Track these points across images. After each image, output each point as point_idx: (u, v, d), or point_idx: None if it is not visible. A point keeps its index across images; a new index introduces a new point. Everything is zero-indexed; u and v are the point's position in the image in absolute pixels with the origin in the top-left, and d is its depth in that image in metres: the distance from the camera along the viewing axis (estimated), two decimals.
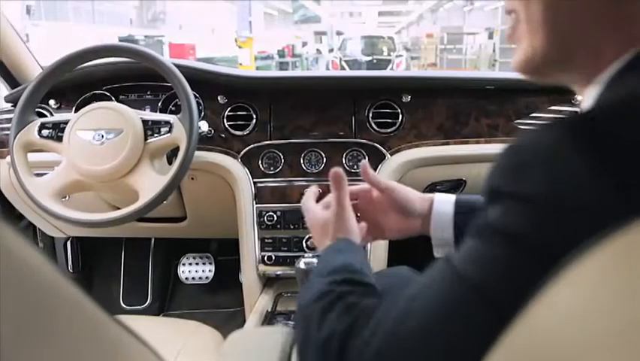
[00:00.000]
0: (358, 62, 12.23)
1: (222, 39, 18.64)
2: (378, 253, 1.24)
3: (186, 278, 1.82)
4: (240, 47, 10.70)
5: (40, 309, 0.25)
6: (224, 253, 1.82)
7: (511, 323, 0.33)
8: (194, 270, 1.83)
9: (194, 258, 1.84)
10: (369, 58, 12.38)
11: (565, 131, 0.36)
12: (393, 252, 1.26)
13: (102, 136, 1.12)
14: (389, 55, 12.73)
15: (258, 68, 11.91)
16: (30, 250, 0.25)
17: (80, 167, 1.12)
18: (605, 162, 0.34)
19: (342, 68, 11.71)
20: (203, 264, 1.83)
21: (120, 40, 11.74)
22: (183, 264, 1.83)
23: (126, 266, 1.80)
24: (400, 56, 12.50)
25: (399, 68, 11.61)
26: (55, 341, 0.26)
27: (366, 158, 1.28)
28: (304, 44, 20.48)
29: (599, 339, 0.25)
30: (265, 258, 1.25)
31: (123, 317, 1.28)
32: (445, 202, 0.73)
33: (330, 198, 0.72)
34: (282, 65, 14.10)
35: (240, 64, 11.07)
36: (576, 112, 0.38)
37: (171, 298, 1.82)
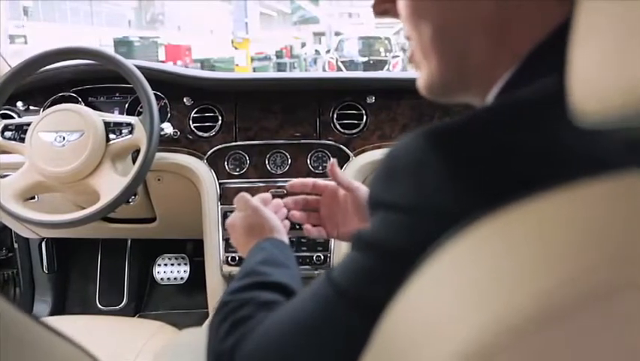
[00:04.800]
0: (355, 63, 12.21)
1: (221, 40, 18.67)
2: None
3: (161, 279, 1.83)
4: (236, 48, 10.71)
5: None
6: (200, 253, 1.83)
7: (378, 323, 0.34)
8: (170, 270, 1.84)
9: (169, 259, 1.85)
10: (366, 59, 12.37)
11: (429, 139, 0.37)
12: None
13: (63, 138, 1.13)
14: (386, 56, 12.72)
15: (255, 69, 11.91)
16: None
17: (41, 168, 1.13)
18: (459, 169, 0.36)
19: (339, 69, 11.70)
20: (179, 265, 1.84)
21: (115, 41, 11.78)
22: (159, 265, 1.84)
23: (102, 267, 1.81)
24: (397, 56, 12.49)
25: (395, 69, 11.61)
26: None
27: (331, 159, 1.29)
28: (303, 45, 20.48)
29: (452, 323, 0.26)
30: (229, 258, 1.26)
31: (86, 317, 1.28)
32: None
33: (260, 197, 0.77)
34: (280, 66, 14.09)
35: (237, 65, 11.09)
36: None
37: (147, 299, 1.83)
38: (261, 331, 0.46)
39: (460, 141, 0.37)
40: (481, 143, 0.36)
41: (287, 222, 0.79)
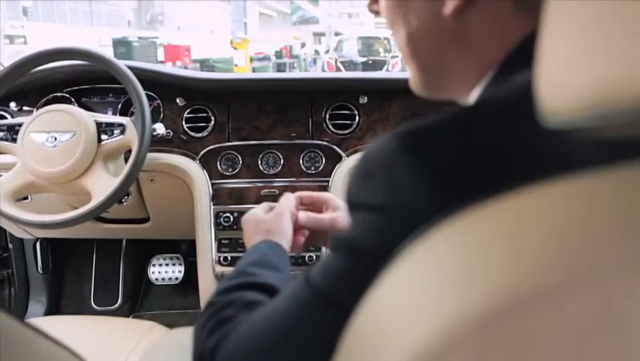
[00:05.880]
0: (354, 63, 12.18)
1: (221, 40, 18.67)
2: None
3: (156, 279, 1.83)
4: (235, 49, 10.71)
5: None
6: (195, 254, 1.83)
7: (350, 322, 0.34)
8: (164, 271, 1.84)
9: (164, 259, 1.85)
10: (365, 59, 12.35)
11: (402, 139, 0.38)
12: None
13: (55, 138, 1.13)
14: (385, 56, 12.69)
15: (254, 70, 11.91)
16: None
17: (33, 168, 1.13)
18: (430, 168, 0.36)
19: (338, 69, 11.68)
20: (173, 265, 1.84)
21: (114, 42, 11.76)
22: (153, 265, 1.84)
23: (97, 267, 1.81)
24: (396, 56, 12.45)
25: (394, 69, 11.57)
26: None
27: (324, 159, 1.29)
28: (303, 45, 20.49)
29: (411, 324, 0.26)
30: (222, 259, 1.26)
31: (79, 318, 1.28)
32: None
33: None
34: (280, 66, 14.09)
35: (236, 65, 11.09)
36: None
37: (142, 299, 1.83)
38: (242, 331, 0.46)
39: (431, 141, 0.37)
40: (452, 143, 0.36)
41: (302, 239, 0.75)
